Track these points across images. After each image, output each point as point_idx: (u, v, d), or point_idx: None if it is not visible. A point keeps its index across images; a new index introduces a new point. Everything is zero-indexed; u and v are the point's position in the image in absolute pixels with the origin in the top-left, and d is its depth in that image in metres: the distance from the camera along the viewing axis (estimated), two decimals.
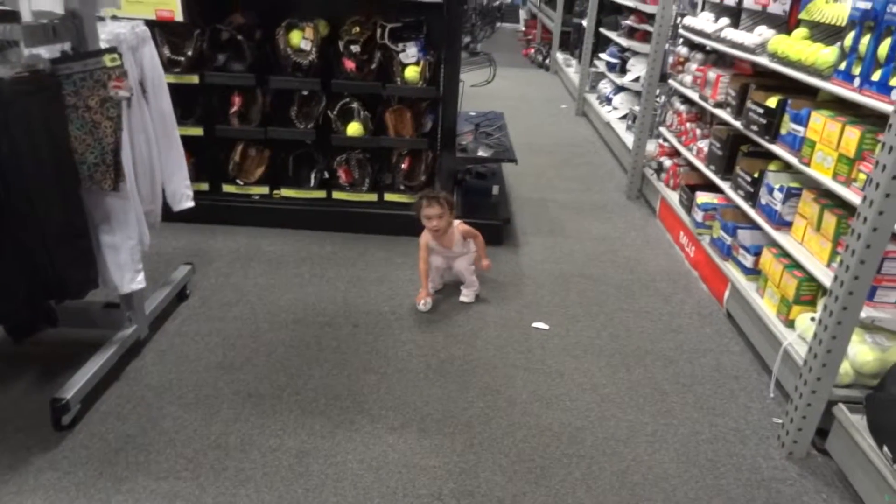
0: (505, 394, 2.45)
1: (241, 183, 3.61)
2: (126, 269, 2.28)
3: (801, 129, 2.57)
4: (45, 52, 1.96)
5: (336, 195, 3.64)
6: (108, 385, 2.33)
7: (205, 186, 3.54)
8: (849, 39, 2.29)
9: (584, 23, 6.86)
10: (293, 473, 2.03)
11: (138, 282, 2.33)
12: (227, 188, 3.61)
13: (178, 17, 3.12)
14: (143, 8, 3.03)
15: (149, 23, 2.49)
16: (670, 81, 4.17)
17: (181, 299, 2.89)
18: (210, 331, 2.71)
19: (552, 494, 2.01)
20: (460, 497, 1.98)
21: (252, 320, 2.80)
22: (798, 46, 2.64)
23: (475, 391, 2.45)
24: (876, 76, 2.14)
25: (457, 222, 3.02)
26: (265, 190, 3.63)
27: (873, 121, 2.26)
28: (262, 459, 2.08)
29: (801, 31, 2.80)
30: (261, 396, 2.36)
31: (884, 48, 2.10)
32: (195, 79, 3.36)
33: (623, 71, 5.84)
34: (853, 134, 2.25)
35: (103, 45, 2.08)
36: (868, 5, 2.19)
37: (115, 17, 2.41)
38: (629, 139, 4.85)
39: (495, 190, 3.95)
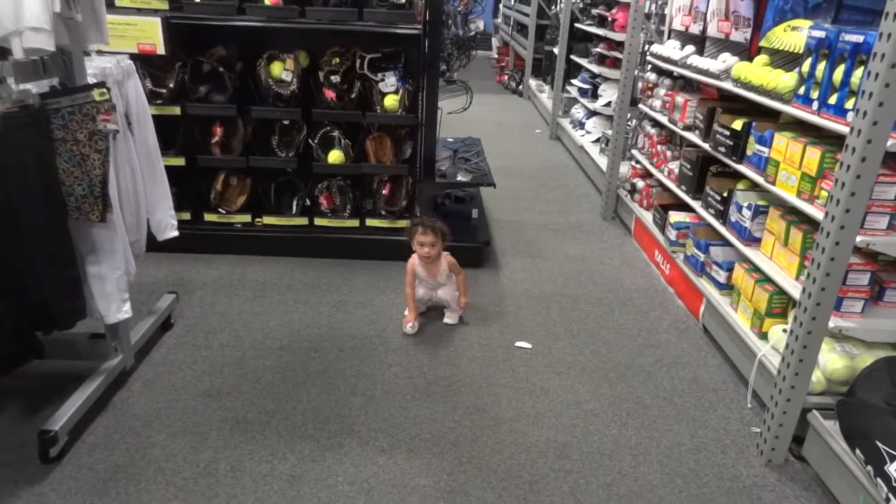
0: (491, 412, 2.49)
1: (224, 211, 3.64)
2: (113, 300, 2.29)
3: (765, 149, 2.70)
4: (34, 87, 2.00)
5: (318, 222, 3.69)
6: (95, 416, 2.32)
7: (187, 216, 3.56)
8: (806, 66, 2.43)
9: (556, 50, 7.06)
10: (285, 498, 2.04)
11: (125, 311, 2.35)
12: (209, 217, 3.64)
13: (160, 50, 3.17)
14: (125, 42, 3.08)
15: (131, 56, 2.54)
16: (640, 106, 4.32)
17: (166, 328, 2.89)
18: (196, 359, 2.72)
19: None
20: None
21: (238, 347, 2.81)
22: (759, 72, 2.79)
23: (462, 411, 2.49)
24: (832, 100, 2.27)
25: (445, 253, 3.08)
26: (247, 218, 3.67)
27: (832, 141, 2.39)
28: (254, 485, 2.09)
29: (762, 58, 2.95)
30: (249, 423, 2.37)
31: (838, 74, 2.23)
32: (177, 110, 3.40)
33: (595, 96, 6.01)
34: (814, 154, 2.37)
35: (91, 80, 2.13)
36: (822, 34, 2.33)
37: (100, 52, 2.45)
38: (603, 162, 4.98)
39: (475, 213, 4.03)
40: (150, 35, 3.14)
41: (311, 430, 2.34)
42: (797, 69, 2.51)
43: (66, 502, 1.97)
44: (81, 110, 1.99)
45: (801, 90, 2.46)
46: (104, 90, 2.03)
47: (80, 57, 2.09)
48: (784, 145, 2.56)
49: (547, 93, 7.93)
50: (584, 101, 6.21)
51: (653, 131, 4.14)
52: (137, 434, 2.27)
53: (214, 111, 3.49)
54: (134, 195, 2.47)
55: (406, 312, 3.05)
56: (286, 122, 3.61)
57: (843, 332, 2.22)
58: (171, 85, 3.36)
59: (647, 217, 4.00)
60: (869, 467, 1.87)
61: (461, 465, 2.22)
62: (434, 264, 3.03)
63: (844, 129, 2.06)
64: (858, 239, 2.03)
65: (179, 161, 3.49)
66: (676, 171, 3.64)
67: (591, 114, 6.00)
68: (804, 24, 2.63)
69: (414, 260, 3.05)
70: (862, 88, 1.87)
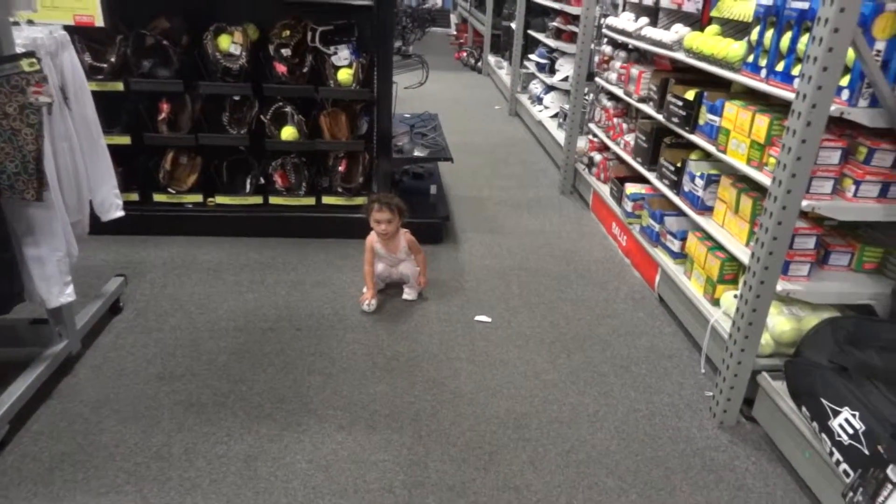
0: (450, 386, 2.49)
1: (173, 191, 3.52)
2: (53, 283, 2.20)
3: (716, 119, 2.73)
4: None
5: (273, 200, 3.60)
6: (39, 404, 2.24)
7: (135, 196, 3.44)
8: (755, 34, 2.45)
9: (513, 25, 7.02)
10: (241, 478, 2.01)
11: (67, 295, 2.26)
12: (158, 197, 3.52)
13: (99, 21, 3.02)
14: (60, 14, 2.92)
15: (68, 28, 2.41)
16: (597, 79, 4.32)
17: (115, 312, 2.80)
18: (147, 343, 2.64)
19: (501, 478, 2.06)
20: (411, 488, 2.00)
21: (191, 330, 2.74)
22: (711, 42, 2.81)
23: (421, 385, 2.48)
24: (780, 67, 2.30)
25: (403, 231, 3.05)
26: (199, 198, 3.56)
27: (780, 109, 2.42)
28: (209, 467, 2.04)
29: (713, 28, 2.97)
30: (203, 405, 2.32)
31: (785, 41, 2.26)
32: (119, 86, 3.27)
33: (552, 71, 6.01)
34: (762, 121, 2.40)
35: (19, 50, 2.01)
36: (770, 2, 2.35)
37: (31, 23, 2.32)
38: (561, 136, 4.99)
39: (433, 189, 4.00)
40: (88, 6, 2.99)
41: (268, 410, 2.31)
42: (746, 38, 2.54)
43: (8, 492, 1.90)
44: (10, 82, 1.89)
45: (751, 58, 2.49)
46: (34, 60, 1.92)
47: (6, 26, 1.97)
48: (734, 114, 2.59)
49: (506, 69, 7.90)
50: (541, 76, 6.21)
51: (609, 104, 4.15)
52: (85, 420, 2.20)
53: (160, 87, 3.36)
54: (74, 173, 2.36)
55: (364, 290, 3.01)
56: (237, 98, 3.50)
57: (791, 296, 2.27)
58: (113, 59, 3.22)
59: (605, 190, 4.03)
60: (814, 423, 1.93)
61: (421, 438, 2.21)
62: (393, 241, 3.00)
63: (790, 96, 2.09)
64: (804, 203, 2.07)
65: (125, 140, 3.36)
66: (632, 143, 3.67)
67: (549, 89, 6.00)
68: None
69: (372, 237, 3.01)
70: (807, 54, 1.89)
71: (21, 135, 1.93)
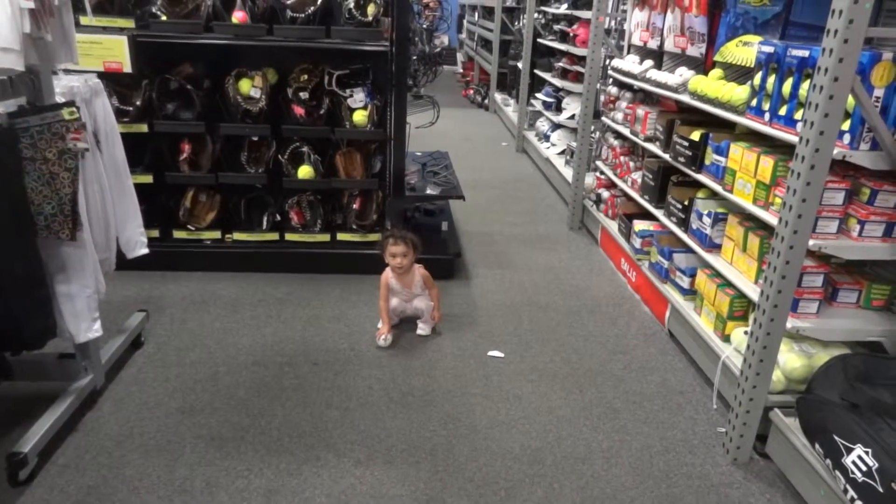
0: (466, 421, 2.53)
1: (193, 228, 3.62)
2: (83, 319, 2.27)
3: (722, 159, 2.81)
4: (1, 106, 1.99)
5: (289, 237, 3.69)
6: (65, 436, 2.29)
7: (156, 233, 3.53)
8: (757, 79, 2.55)
9: (520, 65, 7.20)
10: None
11: (95, 330, 2.33)
12: (178, 234, 3.62)
13: (127, 68, 3.17)
14: (91, 60, 3.06)
15: (98, 74, 2.54)
16: (603, 118, 4.44)
17: (136, 347, 2.87)
18: (167, 377, 2.70)
19: None
20: None
21: (210, 364, 2.80)
22: (714, 85, 2.91)
23: (437, 420, 2.52)
24: (782, 111, 2.39)
25: (418, 266, 3.12)
26: (217, 234, 3.65)
27: (784, 150, 2.51)
28: (230, 501, 2.08)
29: (716, 72, 3.08)
30: (224, 439, 2.36)
31: (787, 87, 2.35)
32: (144, 127, 3.39)
33: (559, 109, 6.15)
34: (767, 162, 2.49)
35: (59, 99, 2.12)
36: (771, 49, 2.45)
37: (67, 71, 2.44)
38: (568, 173, 5.09)
39: (444, 226, 4.09)
40: (117, 53, 3.14)
41: (286, 444, 2.35)
42: (749, 82, 2.64)
43: None
44: (51, 129, 1.99)
45: (754, 102, 2.58)
46: (73, 109, 2.03)
47: (48, 76, 2.08)
48: (739, 155, 2.67)
49: (512, 106, 8.07)
50: (548, 114, 6.35)
51: (616, 143, 4.25)
52: (109, 454, 2.25)
53: (182, 128, 3.49)
54: (103, 213, 2.45)
55: (380, 325, 3.07)
56: (255, 139, 3.62)
57: (800, 332, 2.32)
58: (139, 102, 3.35)
59: (613, 226, 4.11)
60: (828, 460, 1.96)
61: (437, 473, 2.24)
62: (407, 276, 3.07)
63: (794, 139, 2.17)
64: (811, 243, 2.13)
65: (147, 178, 3.47)
66: (639, 181, 3.76)
67: (556, 126, 6.13)
68: (754, 39, 2.77)
69: (388, 273, 3.08)
70: (808, 100, 1.98)
71: (59, 178, 2.02)
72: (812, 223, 2.07)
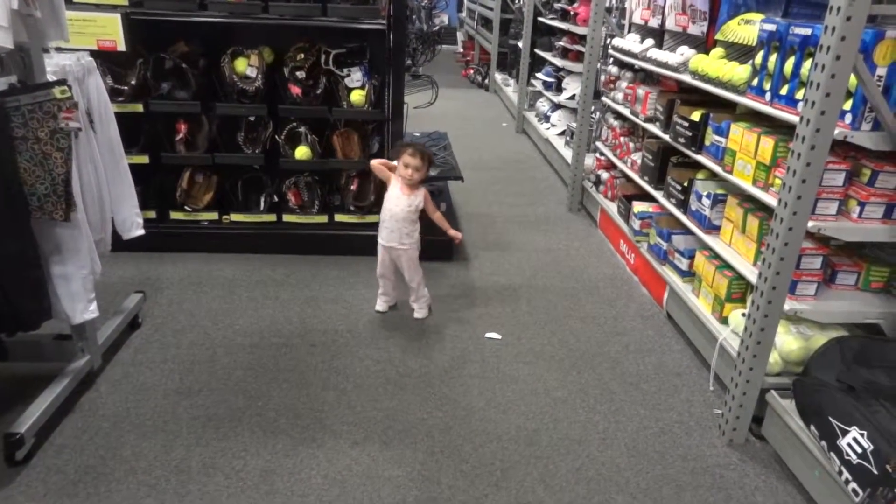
0: (462, 402, 2.53)
1: (190, 209, 3.60)
2: (78, 300, 2.27)
3: (722, 140, 2.78)
4: None
5: (286, 218, 3.68)
6: (62, 417, 2.30)
7: (152, 214, 3.52)
8: (759, 58, 2.51)
9: (520, 44, 7.12)
10: (258, 492, 2.05)
11: (91, 311, 2.32)
12: (174, 215, 3.60)
13: (121, 46, 3.13)
14: (84, 39, 3.02)
15: (91, 53, 2.50)
16: (603, 98, 4.40)
17: (133, 328, 2.87)
18: (165, 358, 2.70)
19: (513, 495, 2.10)
20: (425, 503, 2.04)
21: (208, 345, 2.80)
22: (716, 65, 2.87)
23: (434, 402, 2.52)
24: (784, 91, 2.36)
25: (423, 189, 2.99)
26: (214, 215, 3.64)
27: (785, 131, 2.48)
28: (226, 481, 2.09)
29: (717, 51, 3.04)
30: (220, 420, 2.37)
31: (789, 66, 2.32)
32: (139, 107, 3.36)
33: (559, 89, 6.09)
34: (768, 143, 2.46)
35: (50, 78, 2.10)
36: (773, 27, 2.42)
37: (59, 49, 2.41)
38: (568, 154, 5.06)
39: (443, 207, 4.04)
40: (110, 31, 3.09)
41: (283, 426, 2.35)
42: (751, 61, 2.60)
43: None
44: (42, 108, 1.97)
45: (755, 81, 2.55)
46: (65, 87, 2.00)
47: (39, 54, 2.05)
48: (740, 135, 2.64)
49: (512, 86, 7.99)
50: (548, 94, 6.29)
51: (616, 123, 4.22)
52: (106, 434, 2.25)
53: (178, 108, 3.45)
54: (98, 193, 2.43)
55: (378, 296, 3.12)
56: (252, 119, 3.58)
57: (798, 314, 2.31)
58: (133, 82, 3.32)
59: (612, 208, 4.09)
60: (823, 442, 1.96)
61: (433, 454, 2.25)
62: (412, 188, 2.95)
63: (795, 119, 2.14)
64: (810, 224, 2.12)
65: (143, 159, 3.45)
66: (639, 162, 3.73)
67: (556, 107, 6.08)
68: (756, 17, 2.73)
69: (392, 176, 2.97)
70: (810, 79, 1.95)
71: (51, 158, 2.00)
72: (811, 204, 2.06)
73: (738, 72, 2.68)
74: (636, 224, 3.60)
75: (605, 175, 4.34)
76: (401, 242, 2.99)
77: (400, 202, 2.95)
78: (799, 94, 2.27)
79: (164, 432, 2.28)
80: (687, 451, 2.33)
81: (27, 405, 2.17)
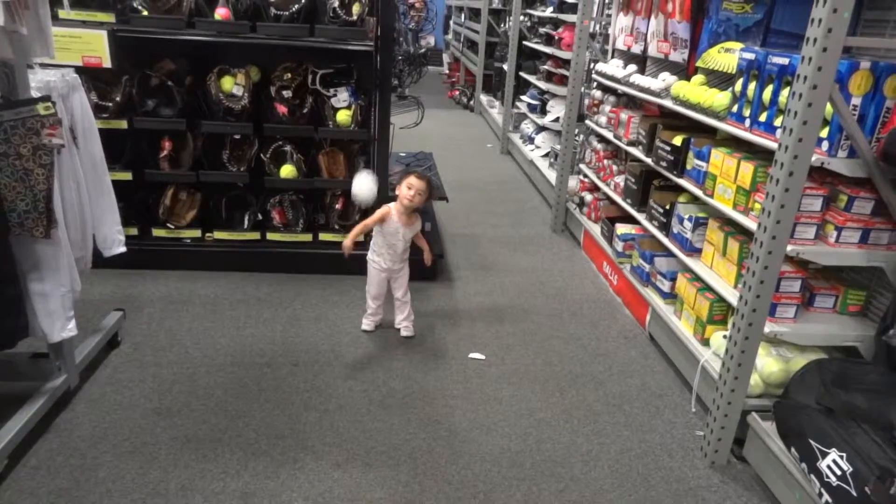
0: (445, 423, 2.52)
1: (173, 227, 3.57)
2: (57, 318, 2.23)
3: (703, 164, 2.83)
4: None
5: (270, 236, 3.66)
6: (37, 438, 2.25)
7: (134, 231, 3.48)
8: (738, 85, 2.57)
9: (506, 67, 7.21)
10: None
11: (69, 329, 2.29)
12: (157, 232, 3.57)
13: (107, 63, 3.12)
14: (70, 55, 3.01)
15: (76, 69, 2.49)
16: (587, 122, 4.46)
17: (112, 346, 2.82)
18: (144, 377, 2.66)
19: None
20: None
21: (188, 364, 2.77)
22: (696, 91, 2.93)
23: (417, 423, 2.51)
24: (763, 118, 2.41)
25: (419, 216, 3.06)
26: (197, 233, 3.61)
27: (764, 156, 2.53)
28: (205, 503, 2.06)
29: (698, 78, 3.10)
30: (200, 441, 2.33)
31: (767, 94, 2.37)
32: (123, 124, 3.34)
33: (543, 112, 6.17)
34: (747, 168, 2.51)
35: (34, 94, 2.08)
36: (752, 56, 2.48)
37: (43, 65, 2.40)
38: (552, 176, 5.11)
39: (427, 227, 4.05)
40: (96, 48, 3.09)
41: (264, 447, 2.32)
42: (731, 88, 2.66)
43: None
44: (25, 124, 1.95)
45: (735, 108, 2.60)
46: (49, 104, 1.99)
47: (23, 70, 2.04)
48: (720, 160, 2.69)
49: (497, 108, 8.08)
50: (533, 116, 6.36)
51: (599, 146, 4.27)
52: (83, 455, 2.21)
53: (163, 125, 3.44)
54: (79, 210, 2.41)
55: (364, 316, 3.14)
56: (237, 137, 3.58)
57: (778, 337, 2.34)
58: (118, 98, 3.31)
59: (596, 229, 4.12)
60: (803, 464, 1.98)
61: (416, 476, 2.23)
62: (410, 217, 2.99)
63: (773, 145, 2.19)
64: (789, 248, 2.16)
65: (126, 175, 3.42)
66: (622, 184, 3.77)
67: (540, 129, 6.15)
68: (736, 46, 2.79)
69: (392, 207, 2.98)
70: (788, 107, 2.00)
71: (33, 175, 1.98)
72: (790, 229, 2.09)
73: (719, 98, 2.73)
74: (619, 246, 3.64)
75: (588, 197, 4.39)
76: (401, 264, 3.06)
77: (398, 235, 2.99)
78: (777, 121, 2.32)
79: (142, 453, 2.24)
80: (669, 473, 2.33)
81: (1, 425, 2.12)
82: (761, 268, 2.11)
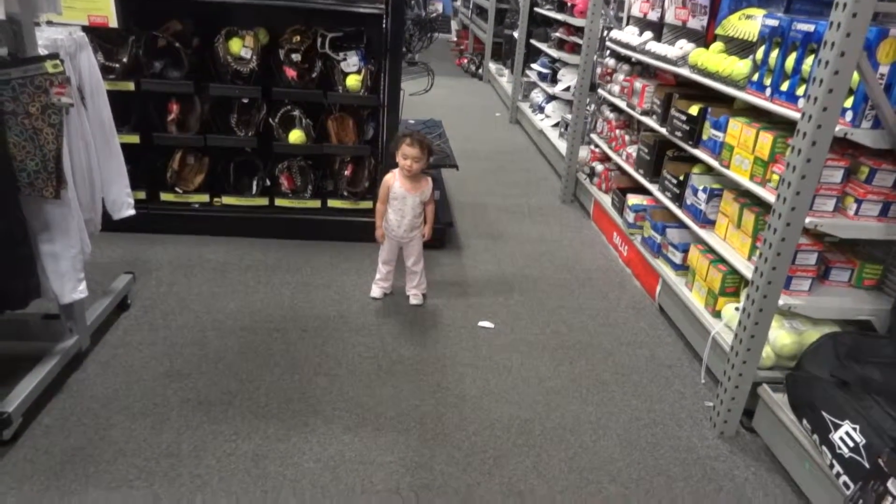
0: (455, 390, 2.52)
1: (180, 191, 3.55)
2: (67, 279, 2.23)
3: (720, 134, 2.78)
4: None
5: (279, 202, 3.63)
6: (50, 398, 2.26)
7: (142, 195, 3.46)
8: (760, 53, 2.51)
9: (515, 34, 7.07)
10: (250, 476, 2.04)
11: (80, 291, 2.28)
12: (165, 196, 3.55)
13: (113, 22, 3.05)
14: (75, 13, 2.95)
15: (81, 28, 2.44)
16: (600, 91, 4.38)
17: (122, 309, 2.83)
18: (154, 340, 2.67)
19: (505, 483, 2.10)
20: (418, 490, 2.04)
21: (198, 328, 2.77)
22: (715, 59, 2.86)
23: (426, 389, 2.51)
24: (784, 86, 2.36)
25: (426, 176, 2.99)
26: (205, 198, 3.59)
27: (784, 126, 2.48)
28: (218, 465, 2.07)
29: (717, 45, 3.03)
30: (211, 403, 2.34)
31: (790, 62, 2.32)
32: (130, 86, 3.29)
33: (554, 81, 6.07)
34: (766, 139, 2.46)
35: (42, 52, 2.04)
36: (775, 23, 2.41)
37: (49, 23, 2.35)
38: (562, 146, 5.05)
39: (437, 195, 4.02)
40: (102, 7, 3.02)
41: (274, 410, 2.33)
42: (751, 56, 2.59)
43: (21, 485, 1.92)
44: (33, 82, 1.92)
45: (755, 77, 2.55)
46: (58, 62, 1.95)
47: (30, 26, 2.00)
48: (738, 130, 2.64)
49: (507, 76, 7.96)
50: (543, 85, 6.27)
51: (611, 116, 4.21)
52: (95, 416, 2.22)
53: (171, 87, 3.39)
54: (88, 172, 2.39)
55: (374, 282, 3.11)
56: (245, 101, 3.53)
57: (792, 310, 2.32)
58: (125, 59, 3.25)
59: (606, 200, 4.09)
60: (815, 436, 1.98)
61: (426, 441, 2.25)
62: (415, 180, 2.94)
63: (796, 115, 2.15)
64: (807, 220, 2.12)
65: (134, 139, 3.39)
66: (634, 155, 3.72)
67: (551, 98, 6.06)
68: (758, 12, 2.72)
69: (392, 176, 2.95)
70: (813, 76, 1.95)
71: (42, 134, 1.96)
72: (810, 201, 2.06)
73: (739, 67, 2.67)
74: (630, 217, 3.61)
75: (599, 167, 4.34)
76: (411, 232, 3.01)
77: (405, 201, 2.94)
78: (800, 91, 2.27)
79: (154, 415, 2.26)
80: (678, 443, 2.34)
81: (13, 384, 2.13)
82: (778, 240, 2.09)
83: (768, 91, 2.46)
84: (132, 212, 2.70)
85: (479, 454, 2.21)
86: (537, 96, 6.47)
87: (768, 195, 2.40)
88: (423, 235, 3.05)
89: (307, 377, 2.52)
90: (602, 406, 2.50)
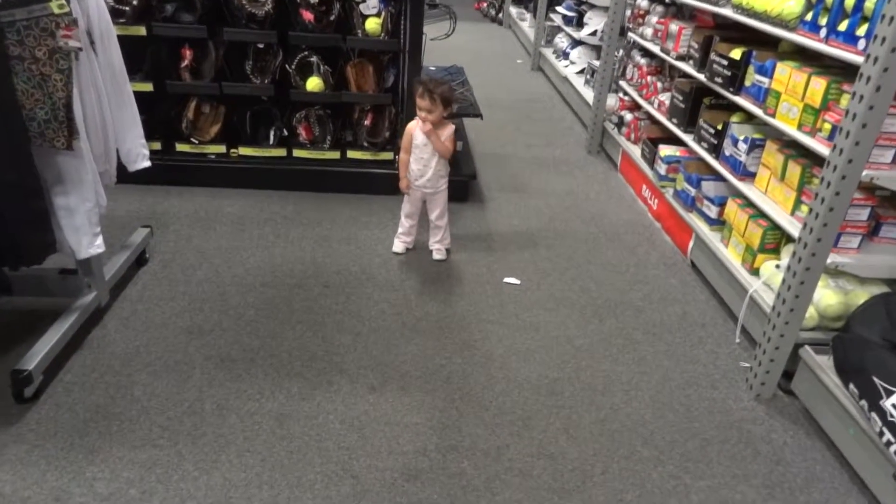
0: (482, 349, 2.45)
1: (196, 141, 3.45)
2: (83, 233, 2.15)
3: (766, 80, 2.60)
4: None
5: (297, 153, 3.52)
6: (70, 355, 2.22)
7: (157, 146, 3.37)
8: None
9: None
10: (274, 436, 2.00)
11: (97, 246, 2.21)
12: (181, 147, 3.45)
13: None
14: None
15: None
16: (630, 35, 4.16)
17: (141, 264, 2.77)
18: (174, 295, 2.61)
19: (535, 444, 2.04)
20: (445, 451, 1.99)
21: (218, 283, 2.71)
22: None
23: (452, 347, 2.45)
24: (843, 26, 2.17)
25: (449, 124, 2.87)
26: (222, 149, 3.48)
27: (837, 71, 2.30)
28: (241, 424, 2.03)
29: None
30: (233, 360, 2.30)
31: None
32: (142, 30, 3.16)
33: (580, 25, 5.80)
34: (819, 84, 2.29)
35: None
36: None
37: None
38: (588, 94, 4.85)
39: (459, 146, 3.89)
40: None
41: (298, 368, 2.28)
42: None
43: (45, 442, 1.90)
44: (39, 24, 1.80)
45: (809, 16, 2.35)
46: (63, 2, 1.82)
47: None
48: (787, 76, 2.47)
49: (528, 21, 7.66)
50: (568, 29, 6.00)
51: (643, 61, 4.00)
52: (117, 373, 2.18)
53: (184, 32, 3.25)
54: (101, 121, 2.28)
55: (396, 237, 3.03)
56: (261, 46, 3.38)
57: (840, 268, 2.20)
58: (135, 2, 3.10)
59: (635, 151, 3.92)
60: (863, 401, 1.89)
61: (453, 401, 2.19)
62: (438, 128, 2.80)
63: (855, 58, 1.98)
64: (863, 173, 1.98)
65: (147, 87, 3.27)
66: (668, 103, 3.54)
67: (576, 43, 5.80)
68: None
69: (414, 124, 2.84)
70: (882, 12, 1.77)
71: (51, 80, 1.85)
72: (869, 152, 1.91)
73: (790, 5, 2.47)
74: (662, 169, 3.45)
75: (628, 116, 4.16)
76: (436, 184, 2.90)
77: (429, 150, 2.83)
78: (860, 31, 2.09)
79: (176, 372, 2.22)
80: (713, 405, 2.26)
81: (33, 341, 2.09)
82: (832, 194, 1.95)
83: (823, 32, 2.27)
84: (147, 163, 2.61)
85: (507, 415, 2.15)
86: (561, 41, 6.20)
87: (819, 146, 2.24)
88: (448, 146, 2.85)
89: (330, 334, 2.46)
90: (633, 366, 2.43)
